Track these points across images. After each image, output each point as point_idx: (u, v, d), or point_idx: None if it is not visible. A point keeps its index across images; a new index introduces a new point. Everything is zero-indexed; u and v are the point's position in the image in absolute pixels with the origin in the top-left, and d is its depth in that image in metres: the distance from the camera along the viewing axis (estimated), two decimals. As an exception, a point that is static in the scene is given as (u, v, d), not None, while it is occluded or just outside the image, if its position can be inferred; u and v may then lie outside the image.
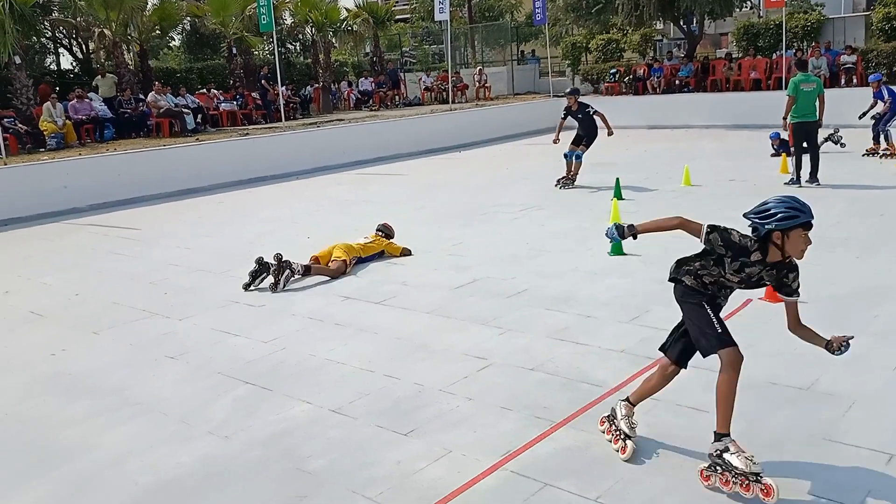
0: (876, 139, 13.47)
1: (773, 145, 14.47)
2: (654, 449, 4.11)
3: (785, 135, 12.55)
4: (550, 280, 7.32)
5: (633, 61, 24.98)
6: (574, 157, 12.25)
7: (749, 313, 6.13)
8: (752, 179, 12.12)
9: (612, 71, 23.61)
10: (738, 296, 6.38)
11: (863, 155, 13.51)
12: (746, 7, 24.01)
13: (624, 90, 23.22)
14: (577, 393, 4.82)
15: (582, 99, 12.82)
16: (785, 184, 11.42)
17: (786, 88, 18.55)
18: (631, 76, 23.08)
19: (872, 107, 13.74)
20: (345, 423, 4.63)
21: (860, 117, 13.81)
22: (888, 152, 13.27)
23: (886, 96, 13.07)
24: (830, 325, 5.66)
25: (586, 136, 12.38)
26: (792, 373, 4.97)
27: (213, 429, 4.65)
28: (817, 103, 11.01)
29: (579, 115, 12.30)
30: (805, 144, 11.21)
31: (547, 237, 9.19)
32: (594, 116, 12.26)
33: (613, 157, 15.81)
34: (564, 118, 12.40)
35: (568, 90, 12.69)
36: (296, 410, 4.83)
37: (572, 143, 12.36)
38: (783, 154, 13.07)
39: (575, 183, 12.22)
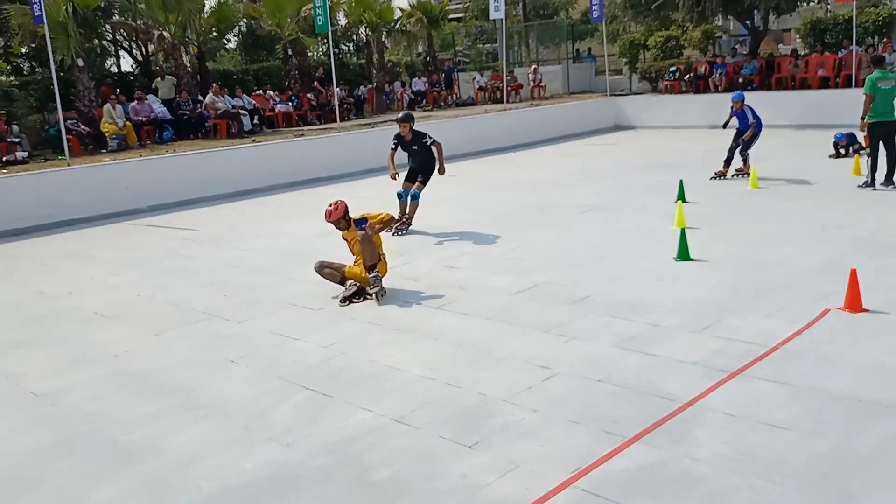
0: (728, 162, 12.25)
1: (838, 147, 13.80)
2: (736, 469, 3.89)
3: (861, 136, 12.07)
4: (615, 285, 7.10)
5: (694, 59, 24.38)
6: (409, 198, 10.08)
7: (827, 324, 5.82)
8: (823, 181, 11.65)
9: (672, 69, 23.08)
10: (814, 306, 6.12)
11: (711, 178, 12.29)
12: (814, 2, 23.16)
13: (684, 88, 22.68)
14: (648, 406, 4.62)
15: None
16: (858, 186, 10.95)
17: (857, 86, 18.07)
18: (691, 74, 22.53)
19: (728, 121, 12.54)
20: (408, 432, 4.52)
21: (724, 126, 12.72)
22: (742, 172, 12.16)
23: (751, 118, 11.88)
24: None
25: (422, 170, 10.15)
26: (879, 388, 4.67)
27: (275, 435, 4.59)
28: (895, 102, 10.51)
29: (414, 147, 10.04)
30: (882, 145, 10.70)
31: (609, 240, 8.95)
32: (431, 147, 10.04)
33: (674, 158, 15.43)
34: (395, 149, 10.05)
35: (400, 115, 10.25)
36: (357, 418, 4.74)
37: (406, 181, 10.18)
38: (856, 155, 12.55)
39: (411, 227, 10.14)
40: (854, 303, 6.02)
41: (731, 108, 12.24)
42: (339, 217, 7.38)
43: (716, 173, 12.34)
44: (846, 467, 3.85)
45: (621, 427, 4.37)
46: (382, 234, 7.55)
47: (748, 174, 11.88)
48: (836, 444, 4.07)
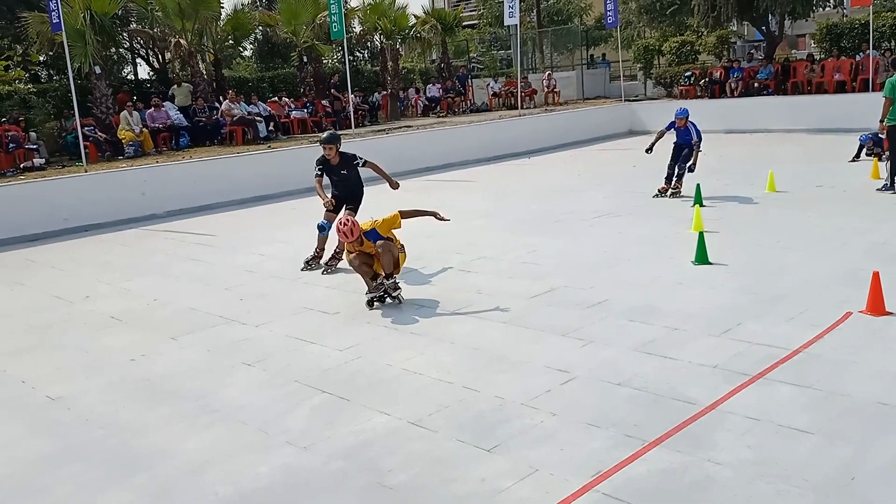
0: (670, 179, 11.45)
1: (866, 148, 13.54)
2: (759, 473, 3.82)
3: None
4: (631, 290, 7.04)
5: (709, 64, 24.27)
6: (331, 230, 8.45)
7: (849, 328, 5.73)
8: (842, 185, 11.53)
9: (687, 74, 22.98)
10: (834, 310, 6.04)
11: (654, 196, 11.50)
12: (829, 6, 22.99)
13: (699, 93, 22.57)
14: (668, 411, 4.55)
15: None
16: (877, 189, 10.83)
17: (874, 90, 17.93)
18: (707, 79, 22.42)
19: (655, 142, 11.68)
20: (425, 436, 4.48)
21: (649, 150, 11.69)
22: (676, 191, 11.39)
23: (695, 136, 11.10)
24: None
25: (351, 198, 8.72)
26: (905, 393, 4.59)
27: (291, 439, 4.56)
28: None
29: (343, 171, 8.61)
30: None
31: (625, 245, 8.89)
32: (366, 168, 8.75)
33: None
34: (321, 176, 8.61)
35: (324, 136, 8.64)
36: (374, 422, 4.70)
37: (329, 211, 8.72)
38: (874, 159, 12.42)
39: (336, 264, 8.66)
40: (877, 306, 5.93)
41: (672, 124, 11.44)
42: (359, 234, 6.96)
43: (659, 190, 11.55)
44: (870, 473, 3.78)
45: (641, 431, 4.31)
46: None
47: (679, 193, 11.31)
48: (860, 450, 3.99)
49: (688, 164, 11.21)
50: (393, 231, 7.21)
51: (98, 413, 5.19)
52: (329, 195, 8.77)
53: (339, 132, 20.07)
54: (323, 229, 8.76)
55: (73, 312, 7.78)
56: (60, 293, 8.57)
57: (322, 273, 8.51)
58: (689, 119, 11.31)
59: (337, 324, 6.74)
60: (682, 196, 11.24)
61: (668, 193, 11.39)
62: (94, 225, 12.70)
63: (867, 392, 4.63)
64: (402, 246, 7.35)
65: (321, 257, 8.80)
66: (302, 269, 8.58)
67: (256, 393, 5.33)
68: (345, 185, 8.77)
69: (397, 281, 7.15)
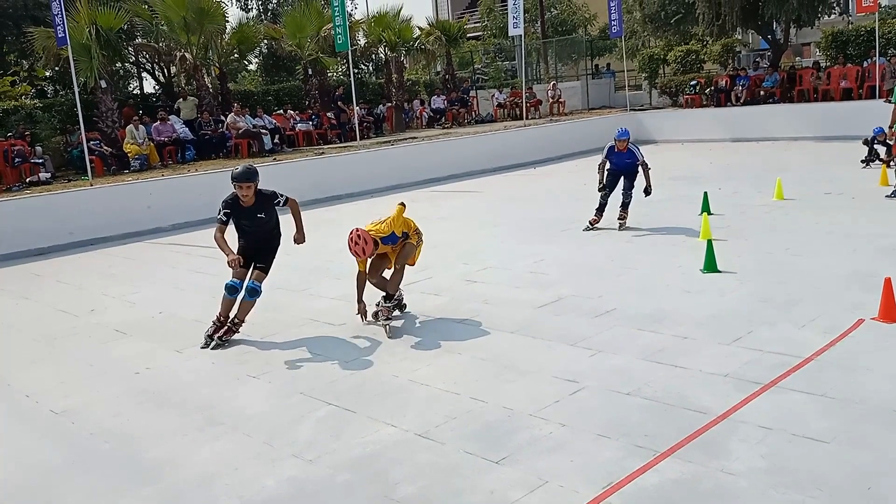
0: (602, 210, 10.18)
1: (874, 142, 13.34)
2: (773, 483, 3.74)
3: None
4: (640, 298, 6.97)
5: (714, 73, 24.24)
6: (246, 293, 6.68)
7: (861, 335, 5.65)
8: (850, 192, 11.44)
9: (693, 83, 22.95)
10: (846, 316, 5.96)
11: (585, 230, 10.24)
12: (835, 13, 22.95)
13: (705, 102, 22.53)
14: (680, 420, 4.48)
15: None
16: (886, 196, 10.74)
17: (881, 97, 17.84)
18: (712, 87, 22.38)
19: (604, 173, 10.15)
20: (433, 447, 4.41)
21: (602, 185, 10.19)
22: (623, 220, 10.17)
23: (640, 157, 9.89)
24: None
25: (263, 249, 6.84)
26: (921, 400, 4.50)
27: (297, 451, 4.50)
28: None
29: (260, 215, 6.71)
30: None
31: (632, 253, 8.82)
32: (285, 208, 6.95)
33: (696, 172, 15.28)
34: (226, 223, 6.66)
35: (240, 171, 6.59)
36: (381, 433, 4.64)
37: (242, 266, 6.65)
38: (883, 165, 12.34)
39: (238, 331, 6.80)
40: (889, 312, 5.85)
41: (611, 149, 9.95)
42: (373, 249, 6.55)
43: (590, 222, 10.28)
44: (886, 481, 3.70)
45: (653, 441, 4.24)
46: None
47: (625, 223, 10.13)
48: (876, 458, 3.91)
49: (644, 189, 9.93)
50: (409, 220, 6.84)
51: (104, 426, 5.14)
52: (238, 250, 6.77)
53: (345, 144, 20.19)
54: (233, 291, 6.63)
55: (78, 326, 7.75)
56: (66, 307, 8.55)
57: (211, 348, 6.54)
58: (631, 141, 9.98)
59: (343, 335, 6.69)
60: (629, 227, 10.03)
61: (618, 225, 10.07)
62: (100, 238, 12.69)
63: (882, 399, 4.55)
64: (420, 234, 6.93)
65: (237, 328, 6.77)
66: (212, 348, 6.56)
67: (262, 405, 5.27)
68: (257, 233, 6.75)
69: (391, 306, 6.80)
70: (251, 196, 6.57)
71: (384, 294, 6.88)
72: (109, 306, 8.43)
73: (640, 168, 9.90)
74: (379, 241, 6.60)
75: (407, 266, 6.98)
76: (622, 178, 10.04)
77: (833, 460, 3.92)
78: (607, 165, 10.04)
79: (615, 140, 9.88)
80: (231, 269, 6.58)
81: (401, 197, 11.92)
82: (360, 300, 6.73)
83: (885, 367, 5.04)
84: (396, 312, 7.04)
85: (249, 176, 6.53)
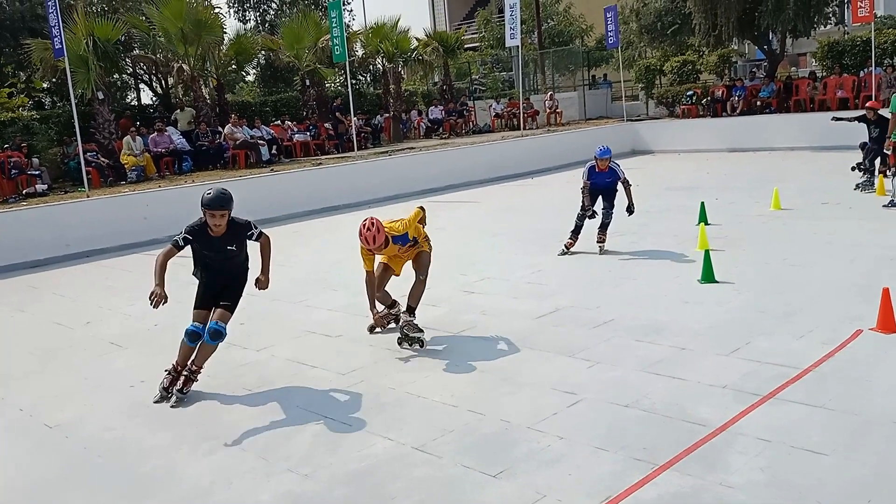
0: (578, 232, 9.53)
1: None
2: (773, 496, 3.71)
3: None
4: (638, 309, 6.95)
5: (710, 83, 24.30)
6: (207, 337, 5.71)
7: (860, 345, 5.63)
8: (847, 202, 11.45)
9: (689, 93, 23.00)
10: (845, 327, 5.94)
11: (560, 254, 9.56)
12: (831, 23, 23.03)
13: (701, 112, 22.58)
14: (678, 432, 4.45)
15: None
16: (883, 206, 10.74)
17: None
18: (709, 98, 22.44)
19: (588, 198, 9.37)
20: (429, 461, 4.37)
21: (590, 214, 9.40)
22: (603, 243, 9.53)
23: (622, 175, 9.25)
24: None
25: (230, 284, 5.93)
26: (921, 412, 4.48)
27: (293, 465, 4.46)
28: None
29: (231, 247, 5.80)
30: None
31: (630, 264, 8.80)
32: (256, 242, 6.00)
33: (693, 182, 15.29)
34: (180, 248, 5.70)
35: (211, 197, 5.58)
36: (377, 447, 4.61)
37: (199, 306, 5.88)
38: (880, 175, 12.34)
39: (197, 379, 5.83)
40: (887, 323, 5.83)
41: (592, 168, 9.26)
42: (383, 241, 6.25)
43: (566, 246, 9.62)
44: (887, 495, 3.67)
45: (651, 454, 4.21)
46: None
47: (604, 246, 9.51)
48: (877, 470, 3.88)
49: (627, 208, 9.36)
50: (420, 227, 6.63)
51: (98, 440, 5.10)
52: (199, 287, 5.92)
53: (342, 154, 20.19)
54: (194, 338, 5.68)
55: (74, 338, 7.71)
56: (62, 319, 8.50)
57: (171, 405, 5.60)
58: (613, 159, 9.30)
59: (339, 347, 6.65)
60: (609, 251, 9.41)
61: (599, 249, 9.46)
62: (97, 250, 12.65)
63: (881, 411, 4.53)
64: (429, 241, 6.72)
65: (195, 376, 5.77)
66: (156, 402, 5.68)
67: (257, 418, 5.23)
68: (224, 268, 5.85)
69: (414, 320, 6.43)
70: (224, 226, 5.62)
71: (406, 308, 6.50)
72: (105, 319, 8.39)
73: (620, 186, 9.31)
74: (390, 239, 6.32)
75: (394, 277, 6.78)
76: (600, 197, 9.42)
77: (832, 473, 3.89)
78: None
79: (596, 159, 9.20)
80: (151, 305, 5.46)
81: (398, 208, 11.89)
82: (373, 307, 6.43)
83: (884, 378, 5.01)
84: (392, 325, 7.01)
85: (224, 202, 5.56)
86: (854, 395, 4.77)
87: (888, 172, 11.90)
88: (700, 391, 5.03)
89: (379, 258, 6.58)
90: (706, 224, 10.02)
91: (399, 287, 6.92)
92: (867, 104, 12.39)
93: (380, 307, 6.69)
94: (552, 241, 10.48)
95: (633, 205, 9.37)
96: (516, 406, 5.04)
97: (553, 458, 4.29)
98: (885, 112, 11.84)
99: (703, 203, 10.64)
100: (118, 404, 5.74)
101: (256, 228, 5.94)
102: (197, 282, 5.95)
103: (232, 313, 5.82)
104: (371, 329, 6.93)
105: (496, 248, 10.46)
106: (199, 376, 5.78)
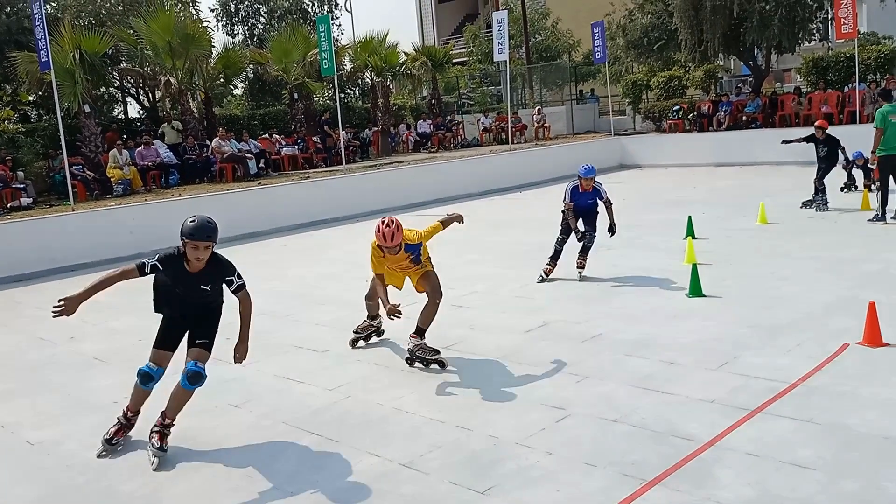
0: (557, 257, 9.04)
1: (852, 166, 13.52)
2: (762, 513, 3.69)
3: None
4: (627, 323, 6.95)
5: (696, 98, 24.50)
6: (185, 381, 4.98)
7: (847, 360, 5.64)
8: (833, 216, 11.53)
9: (675, 108, 23.18)
10: (832, 341, 5.95)
11: (538, 281, 8.96)
12: (815, 40, 23.31)
13: (688, 127, 22.74)
14: (667, 448, 4.43)
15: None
16: (868, 220, 10.82)
17: (861, 122, 18.06)
18: (695, 113, 22.62)
19: (570, 209, 8.89)
20: (417, 478, 4.33)
21: (579, 236, 8.86)
22: (582, 268, 8.96)
23: (604, 194, 8.71)
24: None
25: (201, 330, 5.15)
26: (908, 426, 4.48)
27: (279, 483, 4.41)
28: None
29: (204, 287, 5.02)
30: (892, 178, 10.61)
31: (618, 278, 8.80)
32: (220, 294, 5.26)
33: (681, 196, 15.36)
34: (142, 273, 4.93)
35: (195, 226, 4.76)
36: (364, 464, 4.56)
37: (163, 346, 5.17)
38: (865, 189, 12.45)
39: (170, 433, 5.07)
40: (874, 337, 5.85)
41: (575, 189, 8.74)
42: (400, 243, 6.01)
43: (544, 273, 9.02)
44: (879, 510, 3.66)
45: (640, 469, 4.19)
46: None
47: (583, 272, 8.93)
48: (865, 484, 3.87)
49: (609, 227, 8.83)
50: (426, 244, 6.37)
51: (80, 458, 5.02)
52: (163, 322, 5.16)
53: (330, 168, 20.17)
54: (147, 380, 5.02)
55: (57, 354, 7.62)
56: (45, 334, 8.41)
57: (153, 466, 4.78)
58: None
59: (327, 363, 6.61)
60: (589, 277, 8.84)
61: (578, 274, 8.90)
62: (82, 265, 12.54)
63: (869, 425, 4.53)
64: (430, 261, 6.53)
65: (168, 430, 4.97)
66: (99, 456, 4.99)
67: (243, 436, 5.17)
68: (195, 308, 5.05)
69: (426, 343, 6.23)
70: (205, 261, 4.82)
71: (415, 330, 6.28)
72: (89, 334, 8.30)
73: (603, 205, 8.79)
74: (403, 245, 6.11)
75: (395, 289, 6.61)
76: (580, 220, 8.87)
77: (820, 488, 3.88)
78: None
79: (580, 178, 8.63)
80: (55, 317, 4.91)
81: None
82: (385, 302, 6.03)
83: (870, 392, 5.02)
84: (375, 339, 6.97)
85: (210, 232, 4.73)
86: (842, 410, 4.77)
87: (872, 187, 12.01)
88: (688, 406, 5.01)
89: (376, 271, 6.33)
90: (693, 238, 10.07)
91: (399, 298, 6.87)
92: (815, 123, 12.51)
93: (381, 310, 6.39)
94: (540, 255, 10.46)
95: (615, 225, 8.86)
96: (504, 422, 5.01)
97: (541, 474, 4.25)
98: (872, 125, 11.88)
99: (690, 217, 10.69)
100: (101, 422, 5.64)
101: (240, 278, 5.03)
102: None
103: (210, 352, 5.04)
104: (353, 343, 6.88)
105: (484, 262, 10.45)
106: (171, 430, 4.95)
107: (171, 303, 5.06)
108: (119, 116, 25.76)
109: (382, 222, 6.00)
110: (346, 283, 9.79)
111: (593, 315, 7.31)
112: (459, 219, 6.88)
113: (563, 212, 8.96)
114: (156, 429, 4.94)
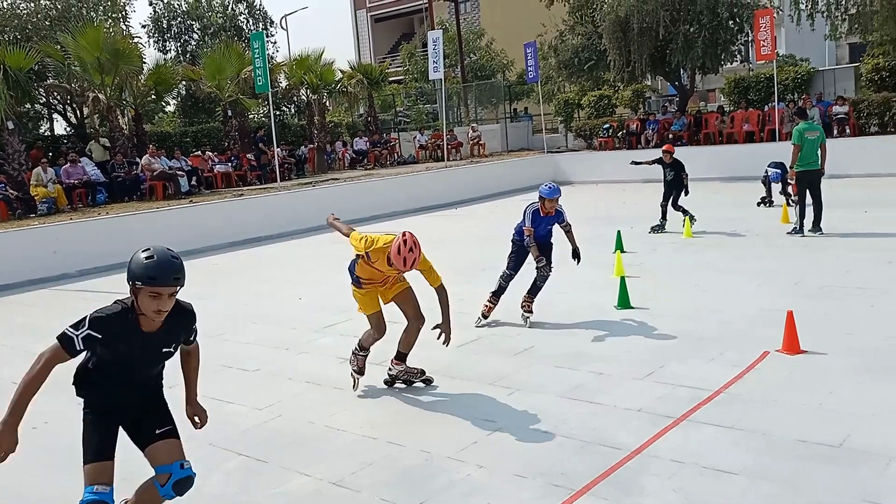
0: (500, 293, 7.94)
1: (769, 184, 14.01)
2: (685, 518, 3.79)
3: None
4: (557, 336, 7.06)
5: (626, 116, 25.16)
6: (174, 490, 3.81)
7: (767, 367, 5.85)
8: (755, 230, 11.96)
9: (606, 126, 23.75)
10: (754, 349, 6.16)
11: (478, 326, 7.80)
12: (737, 61, 24.27)
13: (617, 145, 23.31)
14: (596, 457, 4.51)
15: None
16: (787, 233, 11.26)
17: (780, 140, 18.85)
18: (624, 131, 23.21)
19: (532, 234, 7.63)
20: (348, 496, 4.30)
21: (538, 261, 7.66)
22: (529, 311, 7.70)
23: (566, 219, 7.72)
24: (859, 377, 5.41)
25: (157, 405, 3.90)
26: (821, 429, 4.67)
27: (205, 505, 4.31)
28: (819, 152, 10.93)
29: (166, 348, 3.67)
30: (808, 193, 11.08)
31: (550, 292, 8.88)
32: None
33: (610, 212, 15.70)
34: (75, 353, 3.48)
35: (155, 261, 3.39)
36: (294, 483, 4.50)
37: (103, 454, 3.69)
38: (784, 203, 12.95)
39: None
40: (792, 345, 6.08)
41: (536, 213, 7.51)
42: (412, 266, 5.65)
43: (483, 314, 7.87)
44: (795, 511, 3.79)
45: (569, 479, 4.24)
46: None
47: (531, 314, 7.65)
48: (783, 488, 4.01)
49: (573, 253, 7.76)
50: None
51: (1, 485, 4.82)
52: (94, 419, 3.71)
53: (265, 185, 19.95)
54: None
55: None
56: (-40, 359, 8.05)
57: None
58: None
59: (257, 381, 6.51)
60: (534, 323, 7.64)
61: (524, 319, 7.59)
62: (4, 286, 12.07)
63: (787, 430, 4.69)
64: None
65: None
66: None
67: (169, 457, 5.03)
68: (145, 385, 3.78)
69: (411, 367, 6.13)
70: (166, 312, 3.39)
71: (396, 355, 6.14)
72: (7, 358, 7.98)
73: (563, 230, 7.72)
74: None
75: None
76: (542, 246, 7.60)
77: (742, 492, 4.00)
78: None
79: (542, 199, 7.37)
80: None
81: (322, 239, 11.71)
82: (343, 229, 5.77)
83: (789, 398, 5.20)
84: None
85: (178, 272, 3.40)
86: (761, 416, 4.93)
87: (790, 201, 12.50)
88: (617, 415, 5.11)
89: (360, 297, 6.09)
90: (622, 252, 10.29)
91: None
92: (663, 147, 13.04)
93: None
94: (475, 271, 10.57)
95: (578, 249, 7.72)
96: (437, 436, 5.01)
97: (473, 487, 4.27)
98: (790, 142, 12.39)
99: (619, 231, 10.93)
100: (20, 448, 5.43)
101: (196, 328, 3.83)
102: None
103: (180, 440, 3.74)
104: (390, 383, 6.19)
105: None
106: None
107: (114, 384, 3.57)
108: (45, 133, 24.99)
109: (404, 245, 5.54)
110: (279, 302, 9.68)
111: (525, 328, 7.40)
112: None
113: (514, 241, 7.74)
114: None
